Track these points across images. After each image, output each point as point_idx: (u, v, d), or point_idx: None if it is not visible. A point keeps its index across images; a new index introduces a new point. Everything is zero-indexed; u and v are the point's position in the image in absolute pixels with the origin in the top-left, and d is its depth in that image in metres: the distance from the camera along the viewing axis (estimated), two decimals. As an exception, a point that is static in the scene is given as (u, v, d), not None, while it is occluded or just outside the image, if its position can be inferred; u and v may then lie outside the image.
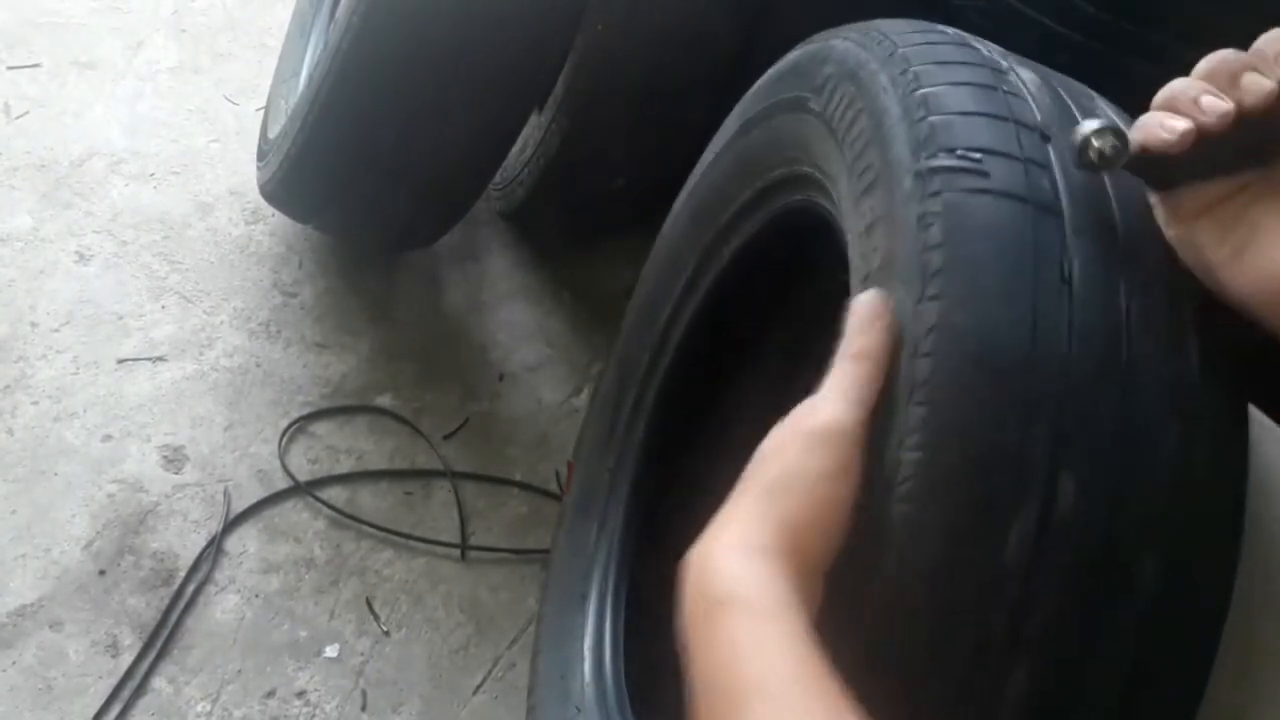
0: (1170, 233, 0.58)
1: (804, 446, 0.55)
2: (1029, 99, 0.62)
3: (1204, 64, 0.55)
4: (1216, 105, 0.54)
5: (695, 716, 0.50)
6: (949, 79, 0.62)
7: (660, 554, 1.04)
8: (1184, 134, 0.54)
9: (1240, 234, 0.55)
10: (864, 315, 0.58)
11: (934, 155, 0.58)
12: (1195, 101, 0.54)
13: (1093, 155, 0.55)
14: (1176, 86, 0.55)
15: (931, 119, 0.60)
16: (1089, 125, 0.56)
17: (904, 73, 0.64)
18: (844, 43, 0.73)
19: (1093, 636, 0.53)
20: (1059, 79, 0.68)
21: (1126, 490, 0.53)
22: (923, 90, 0.62)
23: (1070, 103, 0.64)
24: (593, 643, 1.01)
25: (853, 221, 0.66)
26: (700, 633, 0.52)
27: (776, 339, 1.03)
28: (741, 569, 0.52)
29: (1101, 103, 0.67)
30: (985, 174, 0.57)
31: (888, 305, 0.58)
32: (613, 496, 1.06)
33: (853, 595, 0.53)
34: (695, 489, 1.07)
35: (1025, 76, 0.65)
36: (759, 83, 0.91)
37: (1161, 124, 0.55)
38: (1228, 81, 0.54)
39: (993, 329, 0.53)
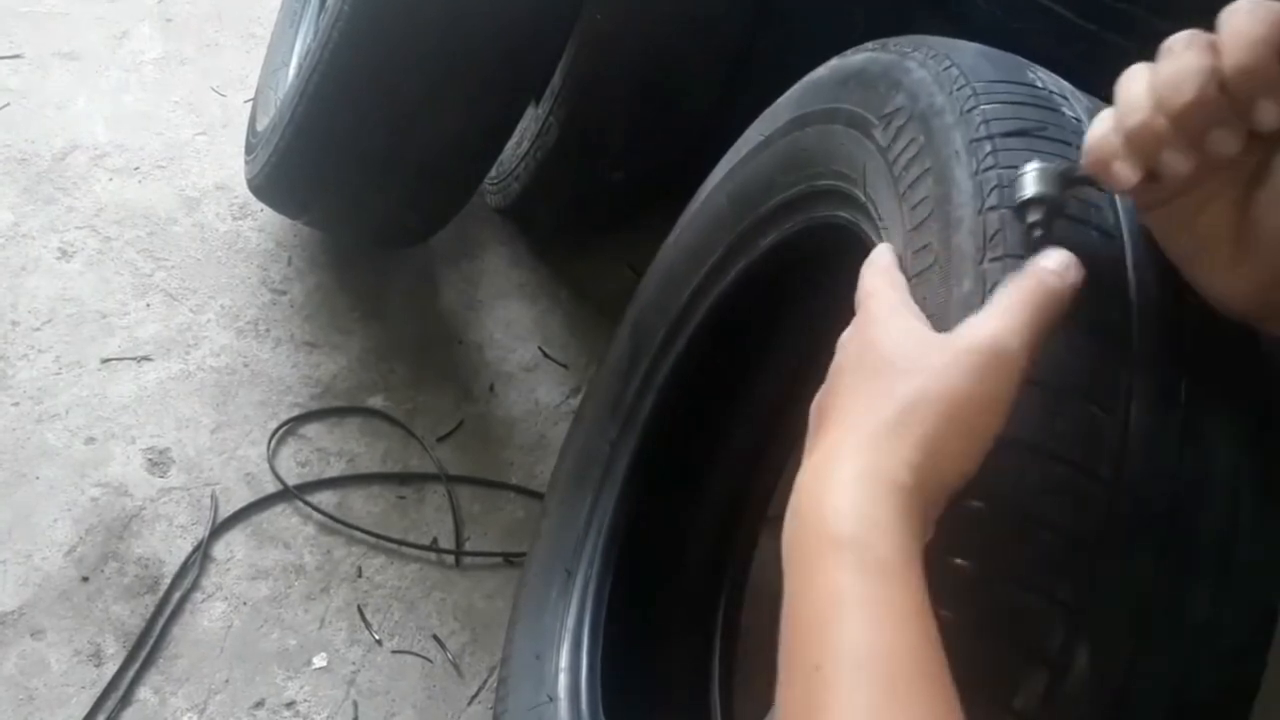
0: (1140, 219, 0.55)
1: (957, 364, 0.49)
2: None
3: (1177, 88, 0.47)
4: (1178, 166, 0.48)
5: (780, 659, 0.46)
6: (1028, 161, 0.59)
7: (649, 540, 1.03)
8: (1136, 185, 0.50)
9: (1203, 226, 0.51)
10: (1055, 254, 0.52)
11: (998, 258, 0.56)
12: (1156, 155, 0.49)
13: (1029, 223, 0.55)
14: (1137, 117, 0.49)
15: (1002, 212, 0.58)
16: (1024, 190, 0.55)
17: (980, 139, 0.62)
18: (921, 71, 0.68)
19: None
20: None
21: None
22: (998, 170, 0.60)
23: None
24: (573, 624, 1.00)
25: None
26: (801, 572, 0.47)
27: (792, 341, 1.01)
28: (862, 508, 0.46)
29: None
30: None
31: (1078, 264, 0.52)
32: (609, 473, 1.05)
33: None
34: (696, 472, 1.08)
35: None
36: (819, 74, 0.88)
37: (1113, 171, 0.50)
38: (1198, 129, 0.48)
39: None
